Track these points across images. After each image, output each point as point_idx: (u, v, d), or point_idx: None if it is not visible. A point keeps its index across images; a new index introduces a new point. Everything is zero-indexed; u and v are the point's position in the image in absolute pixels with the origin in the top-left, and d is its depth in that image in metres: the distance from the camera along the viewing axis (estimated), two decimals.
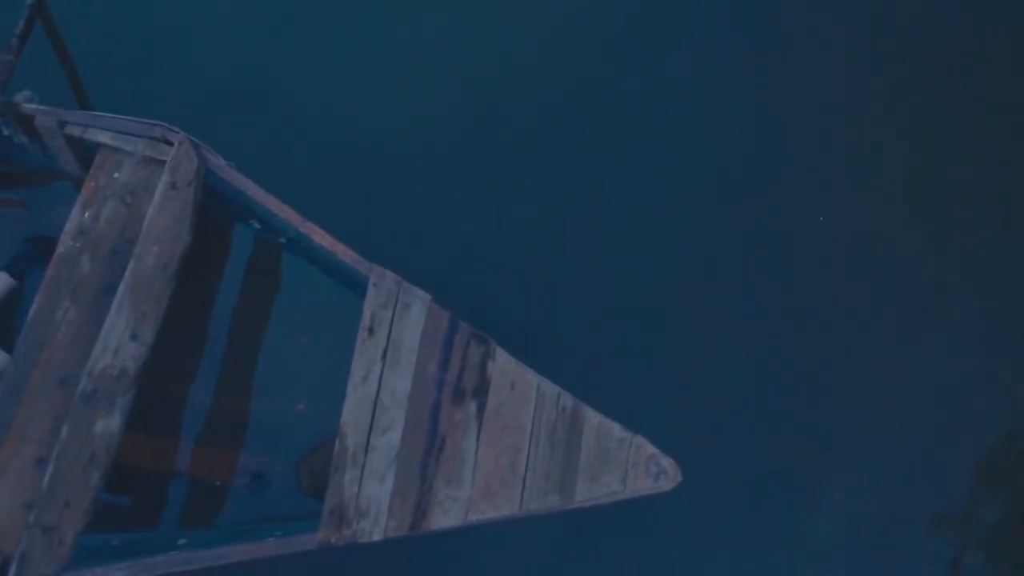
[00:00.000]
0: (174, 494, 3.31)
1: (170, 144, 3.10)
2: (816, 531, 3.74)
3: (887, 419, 3.86)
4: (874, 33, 4.48)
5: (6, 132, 3.24)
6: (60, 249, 3.05)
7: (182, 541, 3.10)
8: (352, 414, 2.75)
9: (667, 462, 2.66)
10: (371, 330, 2.83)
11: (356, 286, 3.22)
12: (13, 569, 2.67)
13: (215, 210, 3.28)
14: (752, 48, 4.40)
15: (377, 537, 2.65)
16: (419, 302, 2.84)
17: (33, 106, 3.18)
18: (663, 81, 4.36)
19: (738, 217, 4.13)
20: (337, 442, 2.73)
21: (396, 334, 2.82)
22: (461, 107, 4.29)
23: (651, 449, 2.67)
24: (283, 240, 3.37)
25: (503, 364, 2.77)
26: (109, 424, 2.81)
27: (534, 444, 2.70)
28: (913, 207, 4.20)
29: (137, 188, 3.10)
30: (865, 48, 4.44)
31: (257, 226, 3.40)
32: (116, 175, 3.13)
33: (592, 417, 2.71)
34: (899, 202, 4.21)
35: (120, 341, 2.88)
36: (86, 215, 3.09)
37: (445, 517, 2.66)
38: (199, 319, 3.44)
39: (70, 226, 3.08)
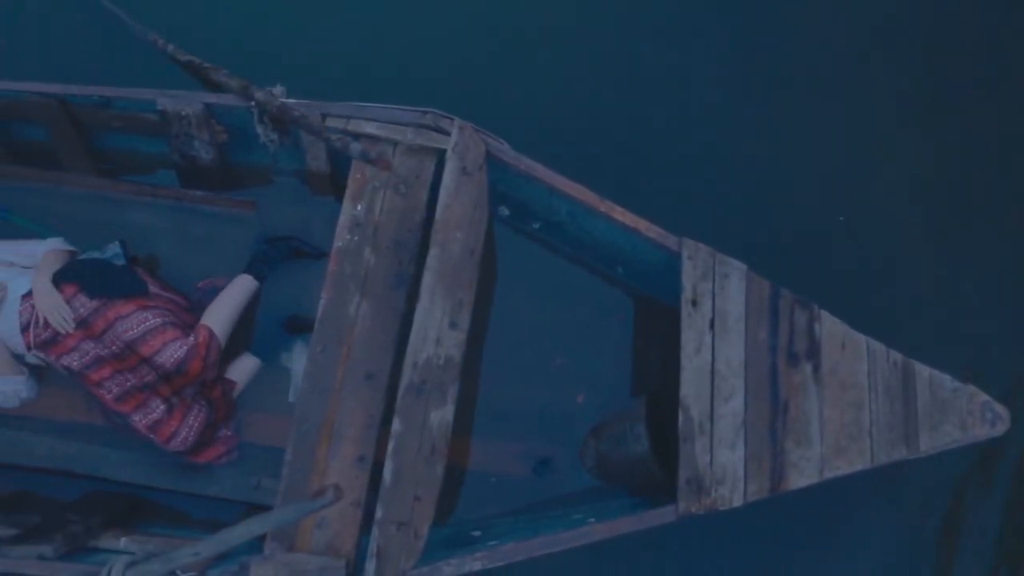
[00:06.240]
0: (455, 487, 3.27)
1: (441, 131, 3.04)
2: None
3: None
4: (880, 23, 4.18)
5: (257, 130, 3.14)
6: (338, 244, 2.97)
7: (476, 533, 3.07)
8: (691, 386, 2.77)
9: (1000, 408, 2.77)
10: (694, 302, 2.85)
11: (636, 264, 3.23)
12: (373, 565, 2.61)
13: None
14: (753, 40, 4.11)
15: (737, 503, 2.68)
16: (736, 272, 2.88)
17: (292, 100, 3.08)
18: None
19: None
20: (680, 414, 2.75)
21: (720, 304, 2.85)
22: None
23: (983, 396, 2.78)
24: (537, 225, 3.36)
25: (830, 326, 2.83)
26: (444, 414, 2.76)
27: (873, 399, 2.78)
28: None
29: (409, 177, 3.04)
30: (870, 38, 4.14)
31: (506, 212, 3.38)
32: None
33: (922, 370, 2.81)
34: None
35: (440, 330, 2.83)
36: (358, 208, 3.01)
37: (801, 477, 2.71)
38: None
39: (344, 219, 3.00)
